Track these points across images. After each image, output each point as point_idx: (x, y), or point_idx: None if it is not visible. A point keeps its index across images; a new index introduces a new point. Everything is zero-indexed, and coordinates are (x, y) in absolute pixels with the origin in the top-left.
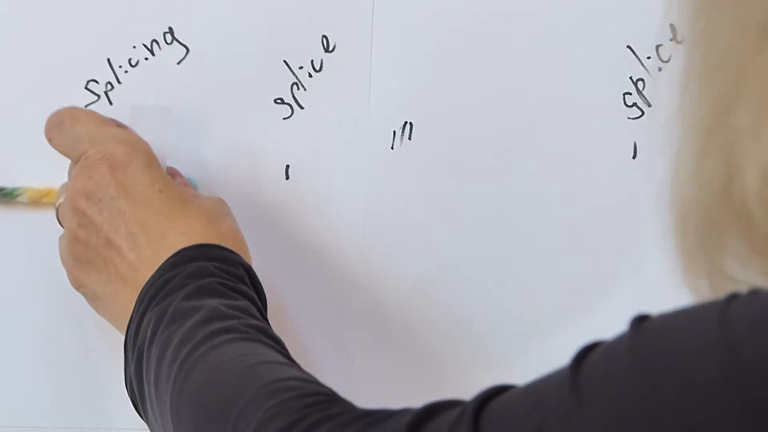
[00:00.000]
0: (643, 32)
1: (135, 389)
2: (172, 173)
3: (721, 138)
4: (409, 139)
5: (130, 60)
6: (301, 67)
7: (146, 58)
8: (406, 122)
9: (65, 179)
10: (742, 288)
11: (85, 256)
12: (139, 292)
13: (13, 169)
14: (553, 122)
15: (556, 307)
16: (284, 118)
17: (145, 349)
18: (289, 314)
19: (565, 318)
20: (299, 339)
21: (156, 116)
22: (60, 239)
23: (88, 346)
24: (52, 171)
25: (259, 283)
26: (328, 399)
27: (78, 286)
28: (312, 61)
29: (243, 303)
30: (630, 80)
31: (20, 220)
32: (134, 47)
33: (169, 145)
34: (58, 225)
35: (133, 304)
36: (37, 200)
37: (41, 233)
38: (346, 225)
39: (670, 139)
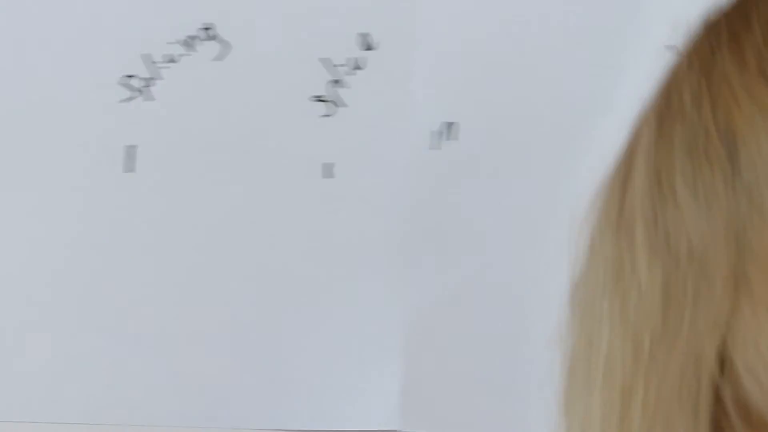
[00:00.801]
0: None
1: None
2: None
3: None
4: (450, 139)
5: (168, 56)
6: (341, 65)
7: (185, 55)
8: (448, 122)
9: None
10: None
11: None
12: None
13: None
14: (599, 122)
15: None
16: (323, 116)
17: None
18: (323, 314)
19: None
20: (332, 338)
21: None
22: None
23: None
24: None
25: None
26: None
27: None
28: (353, 59)
29: None
30: None
31: None
32: (172, 44)
33: None
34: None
35: None
36: None
37: None
38: (385, 225)
39: None
